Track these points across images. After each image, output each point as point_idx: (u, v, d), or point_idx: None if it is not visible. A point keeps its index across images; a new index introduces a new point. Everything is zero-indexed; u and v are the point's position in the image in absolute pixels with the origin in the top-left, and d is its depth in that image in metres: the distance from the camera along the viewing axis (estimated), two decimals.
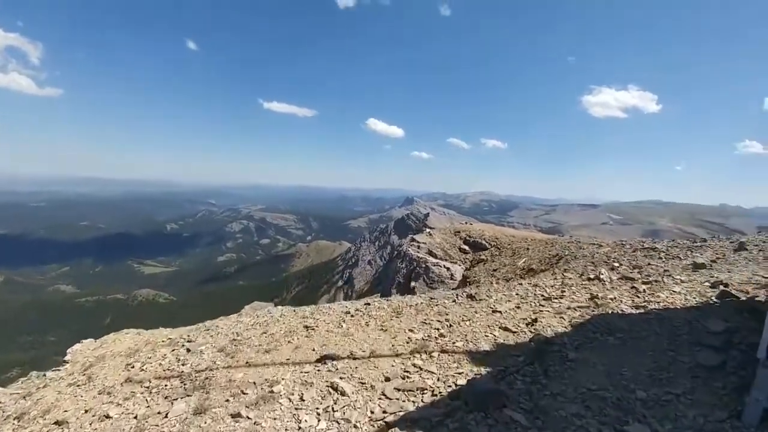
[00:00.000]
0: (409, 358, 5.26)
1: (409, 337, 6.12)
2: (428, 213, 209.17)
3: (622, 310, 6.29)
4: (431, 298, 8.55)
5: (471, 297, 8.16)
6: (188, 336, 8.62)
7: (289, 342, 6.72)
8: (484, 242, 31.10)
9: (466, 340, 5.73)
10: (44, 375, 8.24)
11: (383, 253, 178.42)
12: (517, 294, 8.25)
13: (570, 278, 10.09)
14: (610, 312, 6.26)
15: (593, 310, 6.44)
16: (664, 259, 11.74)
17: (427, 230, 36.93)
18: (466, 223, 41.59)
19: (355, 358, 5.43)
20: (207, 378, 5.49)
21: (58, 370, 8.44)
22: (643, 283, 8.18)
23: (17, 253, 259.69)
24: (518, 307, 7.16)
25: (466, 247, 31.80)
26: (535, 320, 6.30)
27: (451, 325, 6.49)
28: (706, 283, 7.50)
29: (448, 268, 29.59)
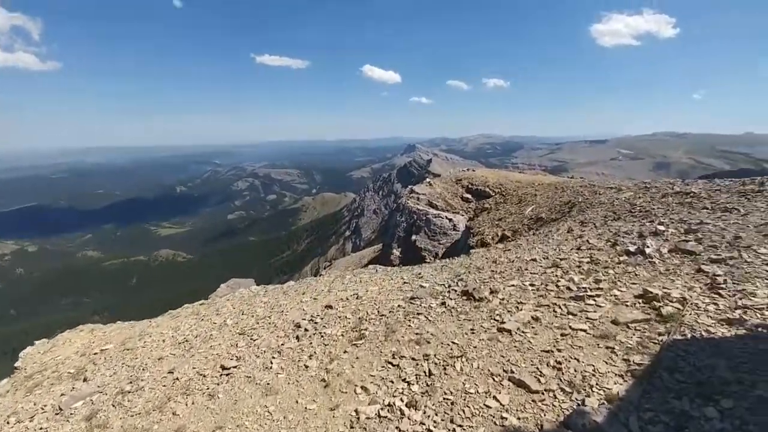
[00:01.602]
0: None
1: (356, 410, 3.79)
2: (430, 159, 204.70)
3: (707, 330, 3.86)
4: (412, 299, 6.22)
5: (467, 295, 5.81)
6: (102, 358, 6.75)
7: (174, 414, 4.54)
8: (487, 189, 28.63)
9: (452, 423, 3.36)
10: None
11: (388, 201, 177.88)
12: (531, 285, 5.86)
13: (596, 246, 7.64)
14: (689, 335, 3.83)
15: (658, 331, 4.03)
16: (713, 211, 9.22)
17: (427, 180, 34.38)
18: (468, 169, 38.80)
19: None
20: None
21: None
22: (713, 261, 5.74)
23: (46, 223, 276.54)
24: (536, 319, 4.76)
25: (469, 196, 29.42)
26: (566, 358, 3.87)
27: (430, 374, 4.11)
28: None
29: (450, 219, 27.44)
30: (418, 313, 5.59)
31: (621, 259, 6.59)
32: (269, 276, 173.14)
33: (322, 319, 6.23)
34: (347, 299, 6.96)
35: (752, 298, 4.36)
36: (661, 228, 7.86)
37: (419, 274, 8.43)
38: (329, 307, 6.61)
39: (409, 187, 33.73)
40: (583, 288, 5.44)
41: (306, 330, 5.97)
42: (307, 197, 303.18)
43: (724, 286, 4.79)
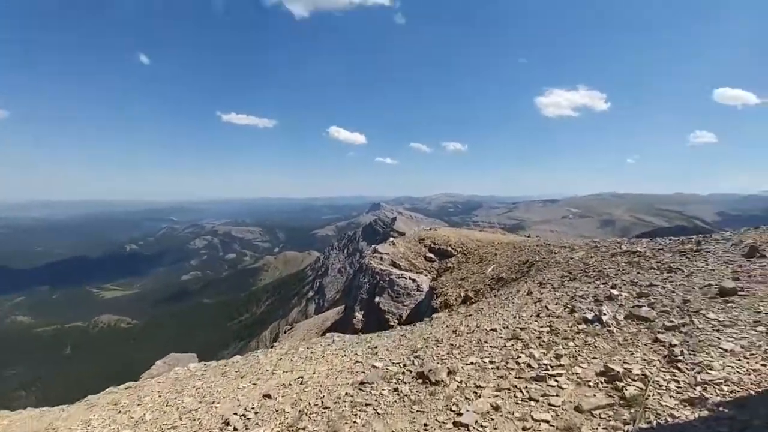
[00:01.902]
0: None
1: None
2: (395, 217, 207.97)
3: (671, 415, 3.57)
4: (362, 384, 5.59)
5: (423, 378, 5.27)
6: None
7: None
8: (450, 249, 28.87)
9: None
10: None
11: (353, 260, 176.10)
12: (491, 362, 5.45)
13: (555, 313, 7.49)
14: (654, 422, 3.52)
15: (623, 419, 3.68)
16: (659, 271, 9.49)
17: (390, 239, 34.34)
18: (430, 228, 39.36)
19: None
20: None
21: None
22: (667, 329, 5.64)
23: None
24: (496, 408, 4.29)
25: (432, 255, 29.45)
26: None
27: None
28: (763, 331, 5.00)
29: (414, 280, 27.05)
30: (366, 404, 4.92)
31: (580, 327, 6.40)
32: (226, 340, 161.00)
33: (256, 413, 5.38)
34: (290, 385, 6.13)
35: (710, 372, 4.19)
36: (615, 292, 7.87)
37: (375, 348, 7.79)
38: (267, 396, 5.76)
39: (373, 246, 33.43)
40: (544, 365, 5.08)
41: (235, 429, 5.08)
42: (269, 256, 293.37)
43: (681, 358, 4.61)
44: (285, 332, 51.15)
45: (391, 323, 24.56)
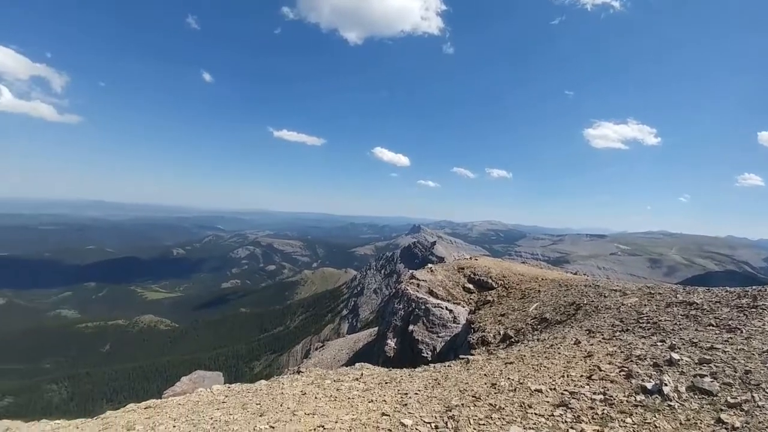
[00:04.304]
0: None
1: None
2: (435, 242, 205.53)
3: None
4: None
5: None
6: None
7: None
8: (490, 281, 27.86)
9: None
10: None
11: (389, 281, 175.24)
12: None
13: (609, 376, 6.87)
14: None
15: None
16: (719, 330, 8.49)
17: (429, 266, 33.74)
18: (471, 257, 38.36)
19: None
20: None
21: None
22: (730, 405, 4.99)
23: (21, 276, 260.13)
24: None
25: (471, 286, 28.53)
26: None
27: None
28: None
29: (450, 310, 26.29)
30: None
31: (638, 399, 5.78)
32: (258, 351, 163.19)
33: None
34: None
35: None
36: (675, 356, 7.10)
37: (405, 394, 7.44)
38: None
39: (410, 272, 32.99)
40: None
41: None
42: (307, 270, 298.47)
43: None
44: (317, 349, 51.12)
45: (424, 354, 23.83)
